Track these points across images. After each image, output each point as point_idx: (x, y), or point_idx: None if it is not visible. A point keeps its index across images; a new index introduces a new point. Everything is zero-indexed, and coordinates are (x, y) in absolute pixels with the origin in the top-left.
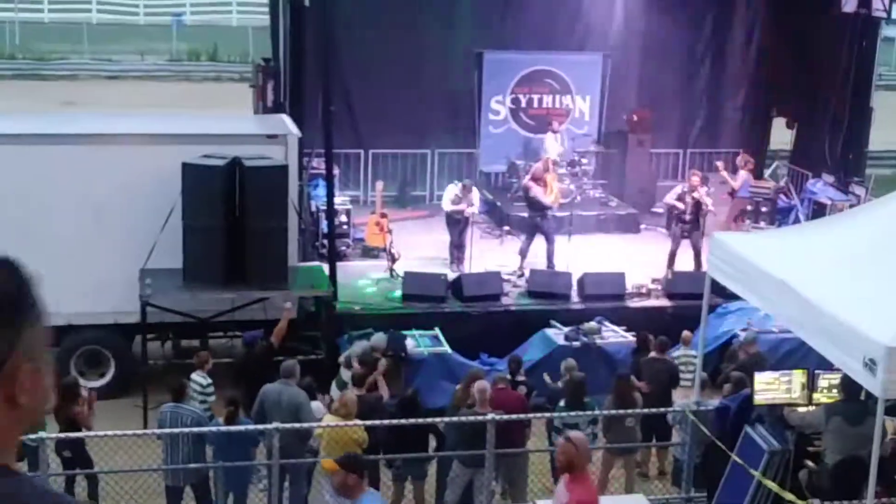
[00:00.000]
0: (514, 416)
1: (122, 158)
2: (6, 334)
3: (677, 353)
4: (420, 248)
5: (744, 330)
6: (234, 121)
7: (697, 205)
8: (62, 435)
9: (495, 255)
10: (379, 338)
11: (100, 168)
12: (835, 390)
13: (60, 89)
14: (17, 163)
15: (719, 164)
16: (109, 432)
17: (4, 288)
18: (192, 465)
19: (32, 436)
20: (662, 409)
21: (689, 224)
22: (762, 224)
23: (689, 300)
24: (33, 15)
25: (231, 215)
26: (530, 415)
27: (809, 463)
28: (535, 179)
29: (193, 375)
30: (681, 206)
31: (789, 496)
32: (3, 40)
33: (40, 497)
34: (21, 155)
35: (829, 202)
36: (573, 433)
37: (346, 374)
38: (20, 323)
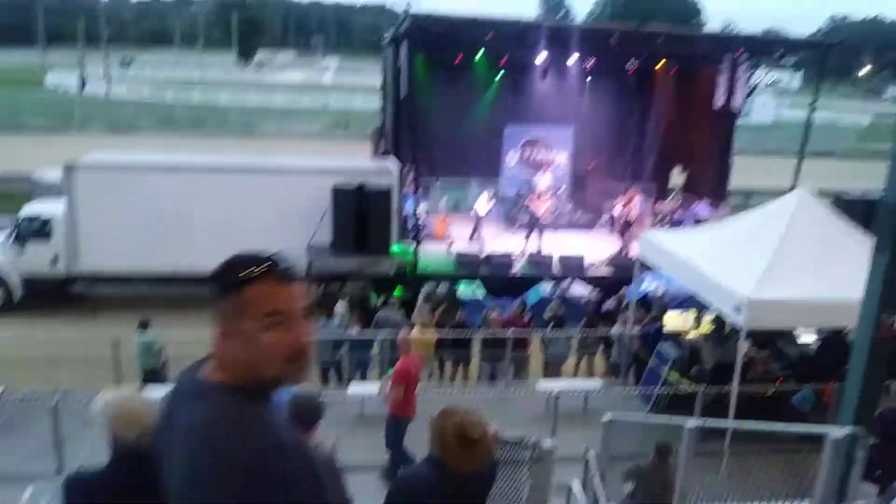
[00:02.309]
0: (522, 333)
1: (301, 182)
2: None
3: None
4: (465, 236)
5: (656, 289)
6: (361, 161)
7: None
8: None
9: (509, 242)
10: (441, 287)
11: (289, 187)
12: (710, 323)
13: (261, 144)
14: (242, 185)
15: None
16: None
17: None
18: (335, 358)
19: None
20: (613, 331)
21: (623, 226)
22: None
23: (621, 270)
24: (243, 101)
25: (359, 215)
26: (532, 332)
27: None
28: (535, 200)
29: (336, 305)
30: (618, 212)
31: (685, 382)
32: (226, 115)
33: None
34: (247, 180)
35: (705, 217)
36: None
37: (423, 306)
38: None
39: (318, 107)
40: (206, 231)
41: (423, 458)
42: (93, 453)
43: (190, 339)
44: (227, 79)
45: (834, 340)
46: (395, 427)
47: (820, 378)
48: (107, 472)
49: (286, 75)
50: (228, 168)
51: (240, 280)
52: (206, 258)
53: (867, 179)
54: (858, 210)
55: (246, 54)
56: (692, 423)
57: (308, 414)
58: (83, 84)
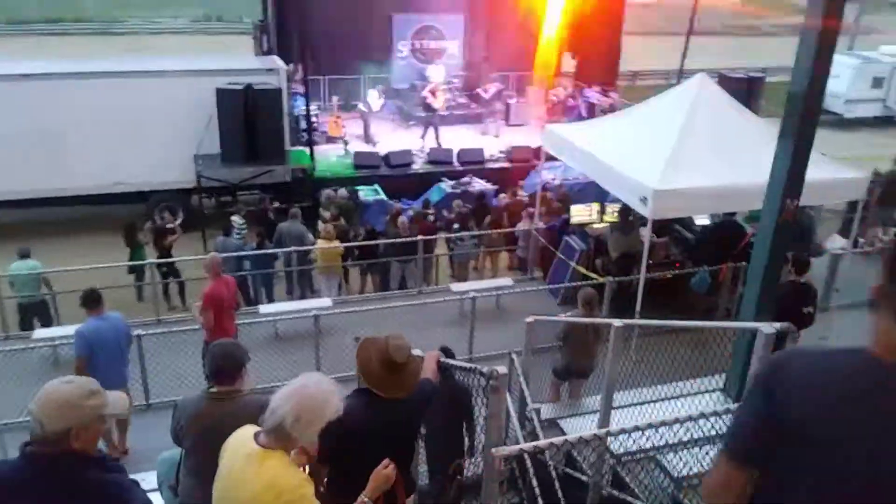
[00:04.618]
0: (430, 237)
1: (181, 85)
2: None
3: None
4: (360, 136)
5: (553, 179)
6: (245, 60)
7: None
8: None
9: (405, 139)
10: (342, 191)
11: (168, 92)
12: (615, 214)
13: (128, 42)
14: (114, 92)
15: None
16: (185, 258)
17: None
18: (237, 273)
19: (138, 262)
20: (517, 229)
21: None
22: (564, 118)
23: (520, 163)
24: None
25: (248, 120)
26: (438, 235)
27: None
28: (430, 93)
29: (233, 217)
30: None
31: (592, 274)
32: (84, 9)
33: None
34: (121, 86)
35: (597, 102)
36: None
37: (324, 214)
38: None
39: None
40: (80, 146)
41: (352, 391)
42: None
43: (80, 271)
44: None
45: (726, 222)
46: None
47: (714, 259)
48: (16, 471)
49: None
50: (97, 73)
51: None
52: (83, 176)
53: (747, 57)
54: (742, 88)
55: None
56: (618, 322)
57: (232, 363)
58: None
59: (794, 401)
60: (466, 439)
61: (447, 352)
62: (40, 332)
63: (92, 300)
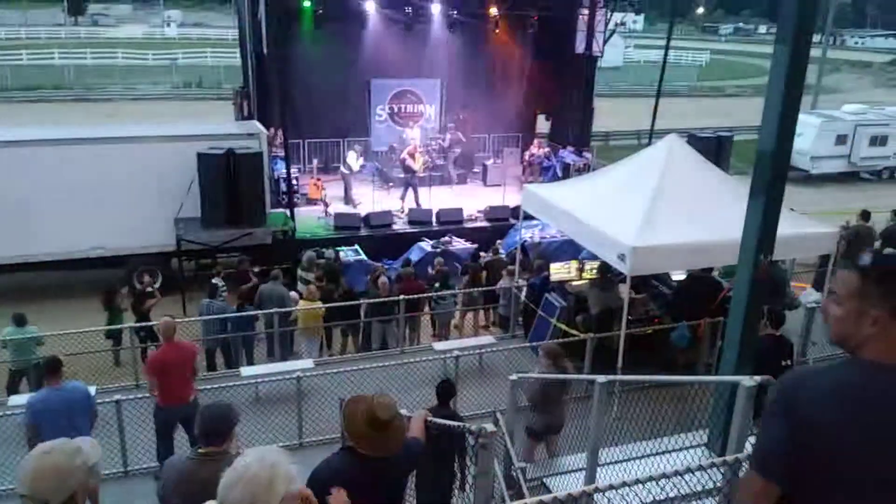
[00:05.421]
0: (413, 296)
1: (162, 151)
2: None
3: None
4: (339, 197)
5: (531, 238)
6: (226, 125)
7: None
8: (139, 325)
9: (385, 201)
10: (329, 252)
11: (147, 158)
12: (594, 271)
13: (107, 108)
14: (93, 159)
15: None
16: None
17: None
18: (221, 336)
19: (116, 326)
20: (497, 287)
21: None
22: (540, 178)
23: (498, 222)
24: (80, 60)
25: (229, 183)
26: (422, 295)
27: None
28: (409, 155)
29: (214, 280)
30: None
31: (573, 331)
32: (63, 77)
33: None
34: (103, 152)
35: (572, 162)
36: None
37: (303, 274)
38: None
39: (165, 64)
40: (59, 212)
41: (337, 450)
42: None
43: (55, 336)
44: (59, 36)
45: (703, 278)
46: (157, 416)
47: (691, 314)
48: None
49: (124, 30)
50: (79, 139)
51: None
52: (61, 241)
53: (712, 117)
54: (711, 147)
55: (76, 9)
56: (602, 378)
57: (222, 424)
58: None
59: (814, 416)
60: (458, 472)
61: (448, 384)
62: (15, 399)
63: (47, 369)
